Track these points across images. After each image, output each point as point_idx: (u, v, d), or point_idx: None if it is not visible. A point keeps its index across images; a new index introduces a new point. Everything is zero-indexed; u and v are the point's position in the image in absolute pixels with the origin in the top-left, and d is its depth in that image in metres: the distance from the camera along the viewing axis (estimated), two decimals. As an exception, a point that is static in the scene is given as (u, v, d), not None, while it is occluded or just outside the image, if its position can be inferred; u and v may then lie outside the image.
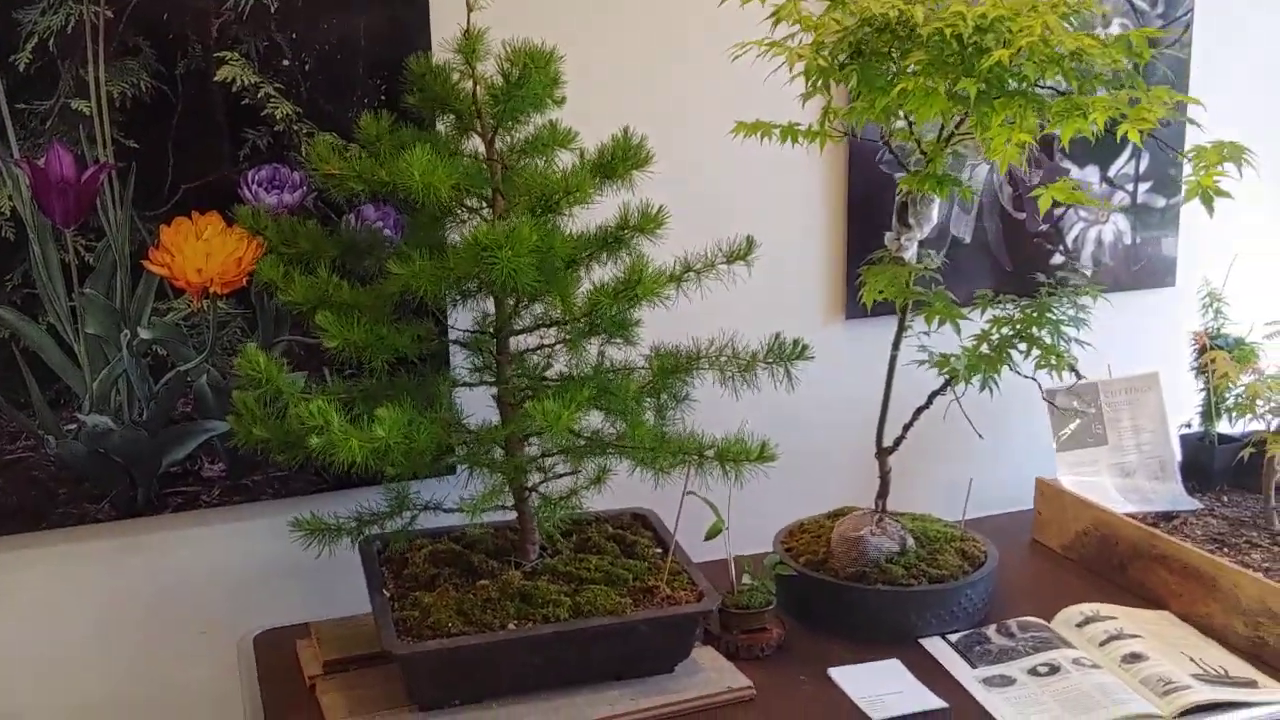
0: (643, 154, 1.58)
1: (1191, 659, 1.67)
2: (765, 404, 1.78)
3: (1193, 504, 2.04)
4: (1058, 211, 2.24)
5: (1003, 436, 2.20)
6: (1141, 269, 2.34)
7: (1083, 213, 2.26)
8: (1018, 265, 2.20)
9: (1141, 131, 1.26)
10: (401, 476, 1.57)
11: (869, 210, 2.07)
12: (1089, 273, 2.29)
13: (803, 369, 2.08)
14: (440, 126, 1.66)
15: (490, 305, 1.62)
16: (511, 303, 1.56)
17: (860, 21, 1.33)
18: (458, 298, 1.62)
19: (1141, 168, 2.29)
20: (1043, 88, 1.33)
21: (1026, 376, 1.65)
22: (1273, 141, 2.39)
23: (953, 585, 1.75)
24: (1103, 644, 1.71)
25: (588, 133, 1.62)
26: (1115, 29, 2.21)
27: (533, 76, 1.49)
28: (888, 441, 1.82)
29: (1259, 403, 1.96)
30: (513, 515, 1.68)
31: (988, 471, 2.23)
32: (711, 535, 1.75)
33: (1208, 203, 1.27)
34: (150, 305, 1.72)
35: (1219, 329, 2.13)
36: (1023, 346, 1.59)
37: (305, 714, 1.58)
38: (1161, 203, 2.33)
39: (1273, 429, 1.94)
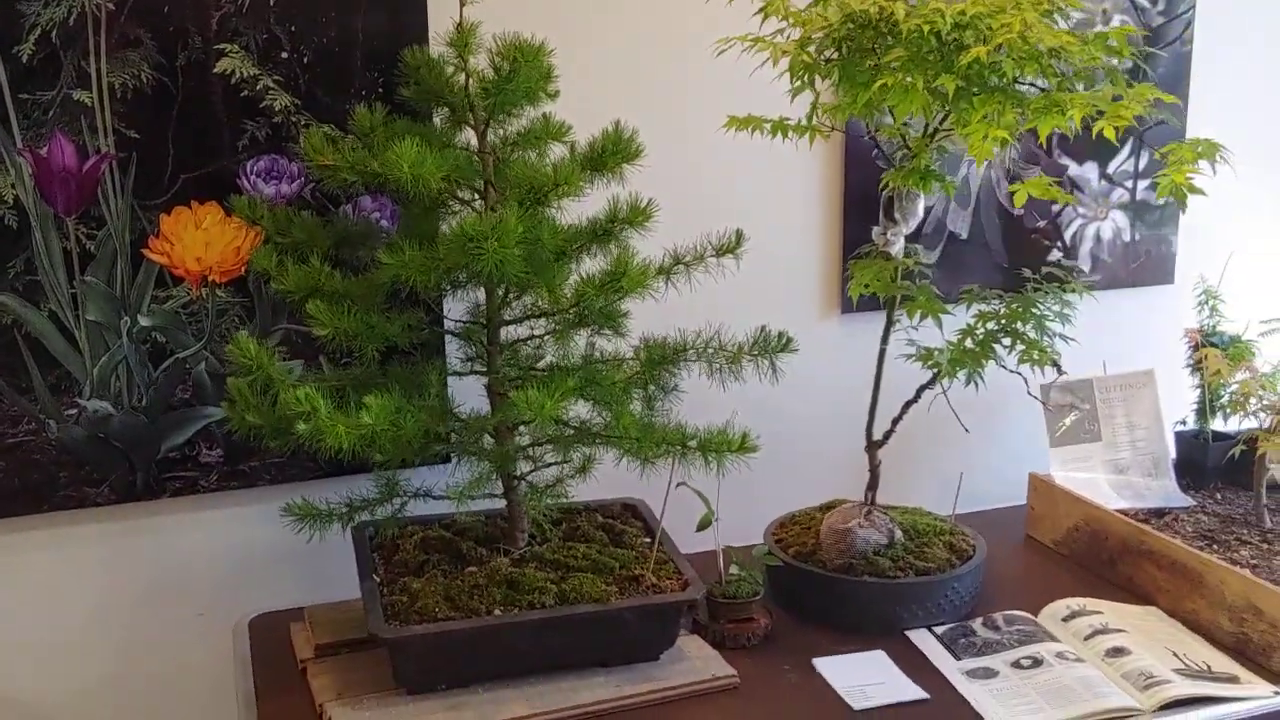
0: (633, 147, 1.60)
1: (1175, 654, 1.67)
2: (761, 397, 1.80)
3: (1186, 501, 2.04)
4: (1056, 208, 2.25)
5: (1001, 431, 2.22)
6: (1140, 266, 2.35)
7: (1081, 209, 2.27)
8: (1015, 261, 2.20)
9: (1117, 129, 1.27)
10: (390, 464, 1.59)
11: (865, 205, 2.08)
12: (1086, 269, 2.30)
13: (798, 363, 2.09)
14: (436, 119, 1.68)
15: (482, 296, 1.64)
16: (501, 293, 1.58)
17: (844, 18, 1.34)
18: (448, 288, 1.64)
19: (1141, 165, 2.29)
20: (1024, 84, 1.34)
21: (1012, 371, 1.66)
22: (1274, 138, 2.40)
23: (939, 578, 1.76)
24: (1087, 638, 1.72)
25: (590, 126, 1.63)
26: (1116, 24, 2.21)
27: (522, 70, 1.51)
28: (877, 435, 1.83)
29: (1251, 401, 1.96)
30: (503, 504, 1.70)
31: (985, 466, 2.25)
32: (703, 526, 1.77)
33: (1181, 200, 1.27)
34: (150, 293, 1.75)
35: (1215, 326, 2.13)
36: (1007, 341, 1.60)
37: (296, 696, 1.61)
38: (1161, 200, 2.32)
39: (1264, 427, 1.94)
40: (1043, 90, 1.34)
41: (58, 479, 1.76)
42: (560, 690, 1.57)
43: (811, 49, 1.40)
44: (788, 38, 1.49)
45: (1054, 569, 2.00)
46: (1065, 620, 1.78)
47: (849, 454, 1.90)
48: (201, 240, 1.74)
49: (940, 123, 1.48)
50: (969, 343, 1.61)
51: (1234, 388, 2.02)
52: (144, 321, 1.76)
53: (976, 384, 1.62)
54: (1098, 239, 2.30)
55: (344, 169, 1.53)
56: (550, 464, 1.67)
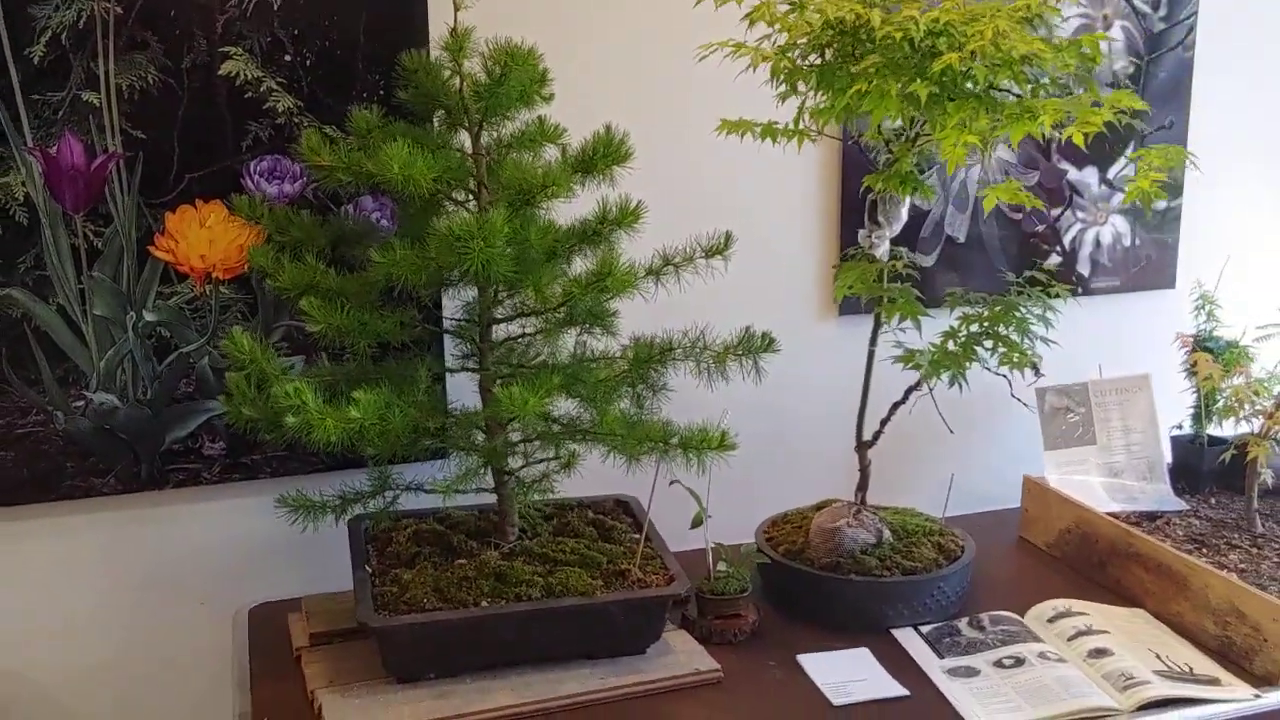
0: (623, 150, 1.63)
1: (1158, 656, 1.69)
2: (758, 397, 1.84)
3: (1179, 504, 2.05)
4: (1055, 212, 2.26)
5: (1001, 433, 2.23)
6: (1141, 270, 2.35)
7: (1080, 214, 2.28)
8: (1013, 265, 2.22)
9: (1086, 135, 1.28)
10: (382, 458, 1.63)
11: (862, 208, 2.09)
12: (1086, 273, 2.31)
13: (797, 363, 2.13)
14: (435, 121, 1.72)
15: (475, 294, 1.68)
16: (492, 292, 1.62)
17: (823, 24, 1.36)
18: (443, 286, 1.68)
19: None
20: (1001, 91, 1.36)
21: (996, 373, 1.67)
22: (1275, 143, 2.40)
23: (925, 578, 1.78)
24: (1070, 639, 1.74)
25: (591, 124, 1.66)
26: (1116, 31, 2.22)
27: (513, 74, 1.54)
28: (867, 436, 1.85)
29: (1244, 406, 1.97)
30: (495, 498, 1.73)
31: (985, 467, 2.27)
32: (696, 524, 1.80)
33: (1146, 205, 1.29)
34: (155, 289, 1.80)
35: (1211, 331, 2.13)
36: (989, 344, 1.62)
37: (290, 683, 1.65)
38: (1162, 205, 2.33)
39: (1256, 432, 1.95)
40: (1017, 96, 1.36)
41: (65, 469, 1.81)
42: (546, 681, 1.61)
43: (794, 54, 1.42)
44: (774, 43, 1.51)
45: (1045, 571, 2.01)
46: (1050, 621, 1.79)
47: (846, 454, 1.93)
48: (206, 238, 1.79)
49: (921, 127, 1.50)
50: (951, 345, 1.63)
51: (1228, 393, 2.03)
52: (149, 317, 1.80)
53: (961, 386, 1.64)
54: (1097, 243, 2.31)
55: (340, 169, 1.57)
56: (541, 460, 1.70)
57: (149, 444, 1.84)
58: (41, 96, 1.70)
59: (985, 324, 1.63)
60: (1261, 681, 1.64)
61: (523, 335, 1.68)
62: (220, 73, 1.77)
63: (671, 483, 1.72)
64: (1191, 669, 1.66)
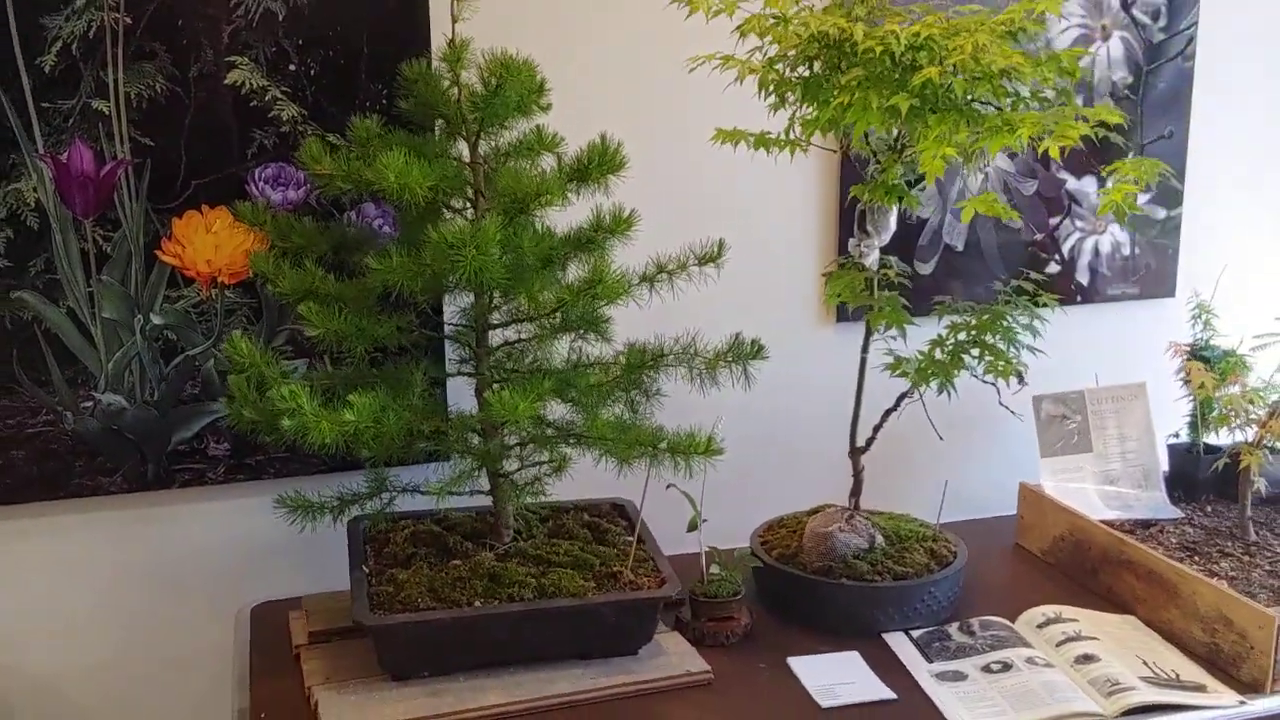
0: (618, 159, 1.66)
1: (1145, 662, 1.70)
2: (759, 402, 1.86)
3: (1174, 513, 2.06)
4: (1054, 221, 2.28)
5: (1003, 440, 2.24)
6: (1140, 279, 2.37)
7: (1079, 223, 2.29)
8: (1012, 274, 2.23)
9: (1063, 149, 1.31)
10: (378, 460, 1.66)
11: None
12: (1085, 281, 2.32)
13: (797, 368, 2.16)
14: (437, 130, 1.75)
15: (472, 300, 1.71)
16: (487, 298, 1.65)
17: (809, 38, 1.39)
18: (441, 292, 1.71)
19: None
20: (984, 104, 1.38)
21: (985, 381, 1.69)
22: (1274, 151, 2.41)
23: (915, 583, 1.80)
24: (1059, 645, 1.75)
25: (591, 127, 1.69)
26: (1116, 42, 2.24)
27: (508, 85, 1.58)
28: (860, 442, 1.88)
29: (1238, 415, 1.98)
30: (491, 500, 1.76)
31: (986, 474, 2.28)
32: (692, 528, 1.83)
33: (1120, 216, 1.31)
34: (162, 293, 1.84)
35: (1208, 340, 2.15)
36: (976, 352, 1.64)
37: (289, 680, 1.68)
38: (1162, 214, 2.35)
39: (1249, 440, 1.96)
40: (998, 109, 1.38)
41: (73, 468, 1.85)
42: (538, 680, 1.64)
43: (781, 66, 1.45)
44: (765, 54, 1.54)
45: (1039, 577, 2.03)
46: (1040, 627, 1.81)
47: (845, 458, 1.94)
48: (211, 243, 1.83)
49: (908, 139, 1.52)
50: (939, 353, 1.65)
51: (1222, 401, 2.03)
52: (156, 320, 1.84)
53: (950, 394, 1.66)
54: (1096, 252, 2.32)
55: (339, 177, 1.60)
56: (537, 463, 1.73)
57: (155, 444, 1.88)
58: (52, 104, 1.75)
59: (973, 333, 1.65)
60: (1248, 688, 1.65)
61: (518, 341, 1.71)
62: (226, 82, 1.81)
63: (668, 487, 1.75)
64: (1178, 675, 1.68)
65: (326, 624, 1.77)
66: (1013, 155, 2.22)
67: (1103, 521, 1.97)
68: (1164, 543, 1.95)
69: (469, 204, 1.68)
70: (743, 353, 1.64)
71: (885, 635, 1.80)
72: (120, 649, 1.94)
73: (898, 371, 1.65)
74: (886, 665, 1.72)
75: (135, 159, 1.80)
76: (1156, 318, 2.38)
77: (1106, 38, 2.23)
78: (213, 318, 1.87)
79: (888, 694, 1.64)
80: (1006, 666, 1.69)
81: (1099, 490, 2.10)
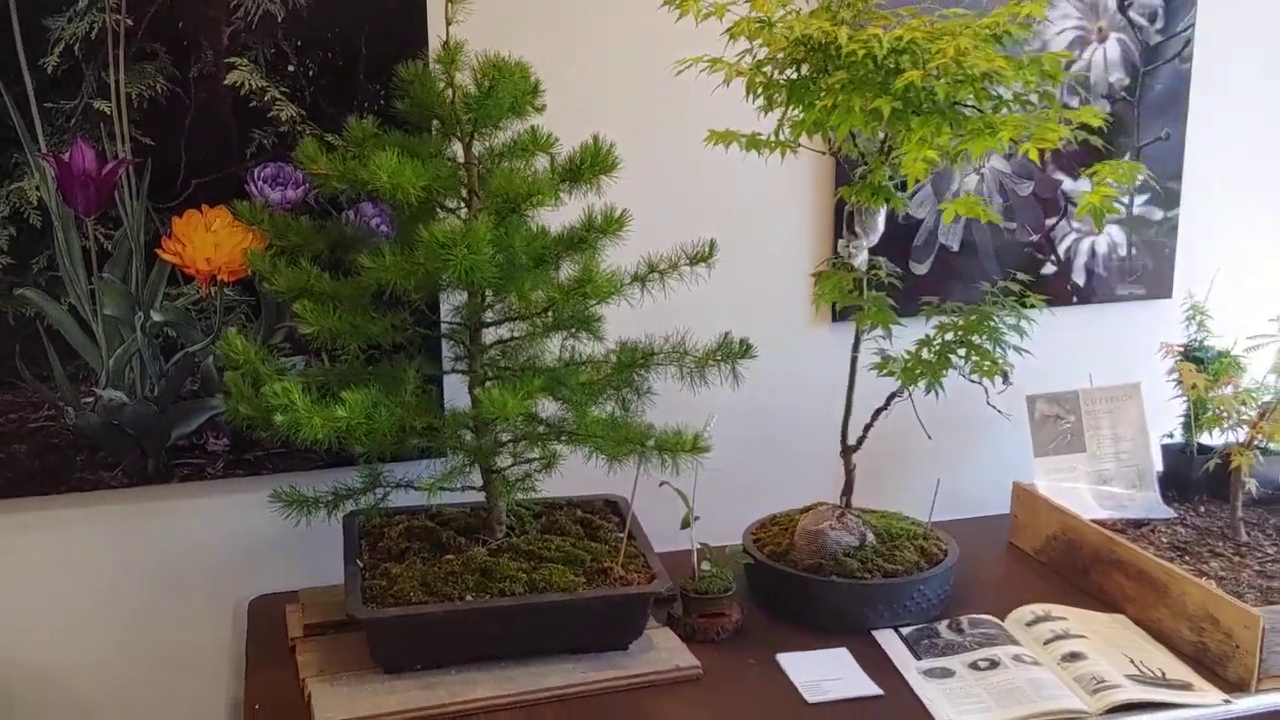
0: (610, 159, 1.68)
1: (1132, 660, 1.71)
2: (756, 400, 1.87)
3: (1167, 512, 2.07)
4: (1050, 222, 2.29)
5: (998, 440, 2.25)
6: (1137, 281, 2.37)
7: (1076, 224, 2.30)
8: (1005, 275, 2.24)
9: (1042, 151, 1.32)
10: (371, 455, 1.68)
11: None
12: (1081, 282, 2.33)
13: (795, 367, 2.17)
14: (434, 131, 1.77)
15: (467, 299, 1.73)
16: (479, 297, 1.67)
17: (793, 41, 1.41)
18: (437, 291, 1.73)
19: (1138, 180, 2.31)
20: (967, 107, 1.40)
21: (974, 381, 1.71)
22: (1273, 154, 2.42)
23: (905, 580, 1.82)
24: (1047, 642, 1.76)
25: (590, 128, 1.70)
26: (1113, 44, 2.25)
27: (500, 86, 1.60)
28: (851, 440, 1.89)
29: (1229, 416, 1.98)
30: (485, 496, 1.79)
31: (982, 474, 2.29)
32: (685, 525, 1.85)
33: (1098, 219, 1.32)
34: (162, 290, 1.87)
35: (1202, 341, 2.15)
36: (963, 352, 1.65)
37: (284, 672, 1.71)
38: (1159, 215, 2.35)
39: (1240, 441, 1.97)
40: (980, 113, 1.40)
41: (74, 462, 1.88)
42: (529, 674, 1.66)
43: (770, 69, 1.47)
44: (754, 57, 1.56)
45: (1031, 576, 2.04)
46: (1029, 625, 1.82)
47: (841, 457, 1.96)
48: (211, 242, 1.85)
49: (893, 141, 1.54)
50: (925, 353, 1.66)
51: (1215, 402, 2.04)
52: (156, 317, 1.87)
53: (938, 393, 1.68)
54: (1092, 253, 2.33)
55: (334, 177, 1.62)
56: (529, 460, 1.76)
57: (156, 439, 1.91)
58: (55, 104, 1.78)
59: (959, 333, 1.66)
60: (1233, 687, 1.66)
61: (511, 339, 1.73)
62: (226, 82, 1.83)
63: (661, 484, 1.76)
64: (1164, 674, 1.69)
65: (322, 617, 1.79)
66: (1009, 156, 2.23)
67: (1094, 521, 1.98)
68: (1155, 542, 1.96)
69: (463, 204, 1.70)
70: (731, 352, 1.66)
71: (875, 632, 1.81)
72: (120, 641, 1.96)
73: (885, 371, 1.67)
74: (875, 662, 1.74)
75: (136, 158, 1.82)
76: (1153, 319, 2.39)
77: (1103, 40, 2.24)
78: (212, 315, 1.90)
79: (874, 690, 1.66)
80: (994, 664, 1.71)
81: (1092, 490, 2.11)
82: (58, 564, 1.93)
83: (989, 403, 1.70)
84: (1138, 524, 2.03)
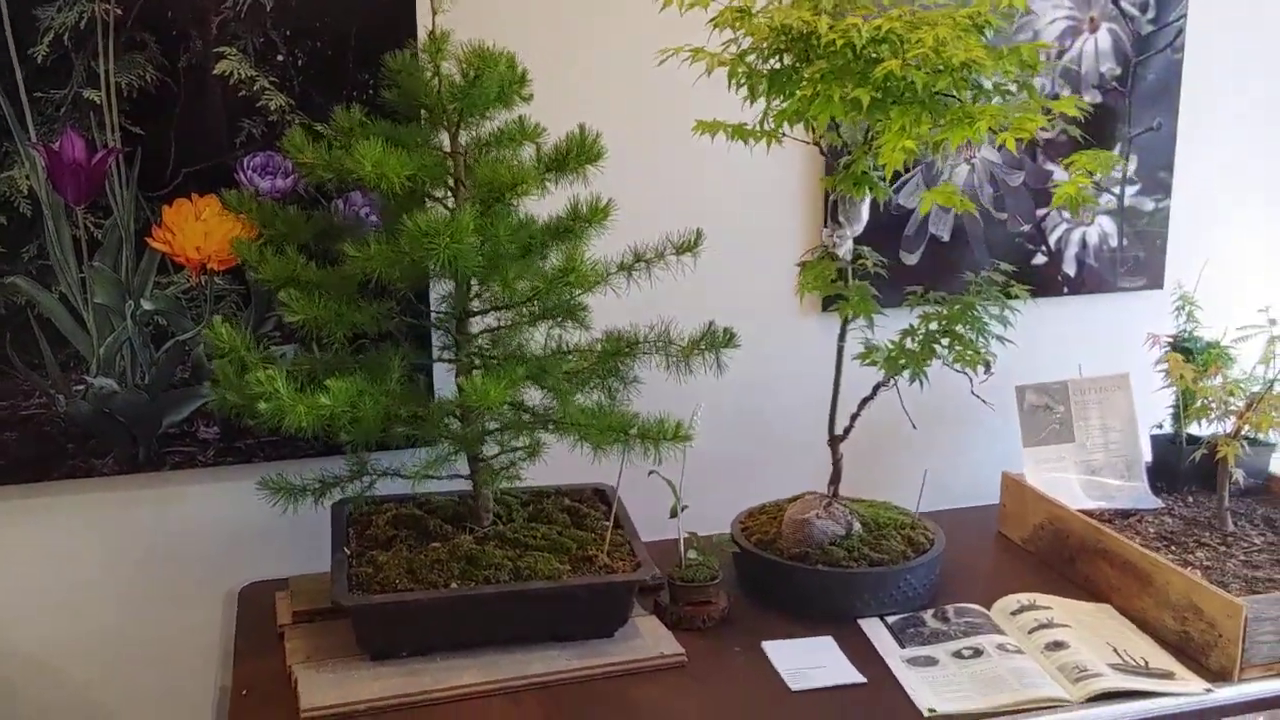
0: (596, 149, 1.68)
1: (1115, 650, 1.72)
2: (751, 389, 1.86)
3: (1155, 503, 2.08)
4: (1040, 212, 2.29)
5: (992, 430, 2.25)
6: (1128, 271, 2.37)
7: (1066, 214, 2.30)
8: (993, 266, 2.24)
9: (1032, 141, 1.32)
10: (356, 443, 1.69)
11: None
12: (1071, 273, 2.33)
13: (785, 358, 2.18)
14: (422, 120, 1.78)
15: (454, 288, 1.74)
16: (465, 286, 1.68)
17: (774, 31, 1.41)
18: (425, 280, 1.74)
19: (1130, 171, 2.32)
20: (947, 96, 1.40)
21: (958, 370, 1.71)
22: (1265, 144, 2.42)
23: (891, 569, 1.83)
24: (1031, 631, 1.77)
25: (591, 125, 1.71)
26: (1104, 34, 2.25)
27: (485, 76, 1.60)
28: (838, 430, 1.90)
29: (1217, 406, 1.99)
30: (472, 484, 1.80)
31: (976, 464, 2.30)
32: (674, 514, 1.85)
33: (1074, 209, 1.32)
34: (153, 279, 1.88)
35: (1191, 332, 2.15)
36: (946, 341, 1.66)
37: (272, 659, 1.72)
38: (1150, 205, 2.35)
39: (1228, 432, 1.97)
40: (961, 102, 1.40)
41: (66, 450, 1.89)
42: (514, 661, 1.67)
43: (753, 59, 1.47)
44: (739, 46, 1.56)
45: (1018, 565, 2.05)
46: (1014, 614, 1.83)
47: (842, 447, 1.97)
48: (201, 231, 1.86)
49: (873, 131, 1.54)
50: (909, 343, 1.67)
51: (1203, 392, 2.05)
52: (147, 305, 1.88)
53: (922, 383, 1.68)
54: (1083, 244, 2.33)
55: (320, 166, 1.63)
56: (515, 448, 1.76)
57: (146, 427, 1.92)
58: (44, 94, 1.78)
59: (943, 322, 1.66)
60: (1216, 676, 1.67)
61: (498, 328, 1.74)
62: (215, 72, 1.84)
63: (650, 474, 1.77)
64: (1147, 663, 1.69)
65: (310, 604, 1.80)
66: (1001, 146, 2.22)
67: (1081, 511, 1.99)
68: (1142, 532, 1.96)
69: (450, 193, 1.71)
70: (715, 341, 1.67)
71: (861, 621, 1.82)
72: (111, 629, 1.98)
73: (868, 361, 1.67)
74: (860, 650, 1.74)
75: (126, 147, 1.83)
76: (1145, 309, 2.39)
77: (1095, 29, 2.24)
78: (202, 303, 1.90)
79: (858, 678, 1.67)
80: (978, 652, 1.72)
81: (1081, 480, 2.12)
82: (49, 552, 1.94)
83: (973, 392, 1.71)
84: (1126, 514, 2.03)
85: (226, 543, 2.00)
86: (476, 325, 1.75)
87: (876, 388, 1.81)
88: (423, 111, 1.74)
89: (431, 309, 1.87)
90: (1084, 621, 1.80)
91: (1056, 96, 2.16)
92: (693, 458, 1.80)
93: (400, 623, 1.63)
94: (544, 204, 1.70)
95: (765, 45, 1.48)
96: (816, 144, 1.64)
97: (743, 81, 1.51)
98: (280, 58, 1.86)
